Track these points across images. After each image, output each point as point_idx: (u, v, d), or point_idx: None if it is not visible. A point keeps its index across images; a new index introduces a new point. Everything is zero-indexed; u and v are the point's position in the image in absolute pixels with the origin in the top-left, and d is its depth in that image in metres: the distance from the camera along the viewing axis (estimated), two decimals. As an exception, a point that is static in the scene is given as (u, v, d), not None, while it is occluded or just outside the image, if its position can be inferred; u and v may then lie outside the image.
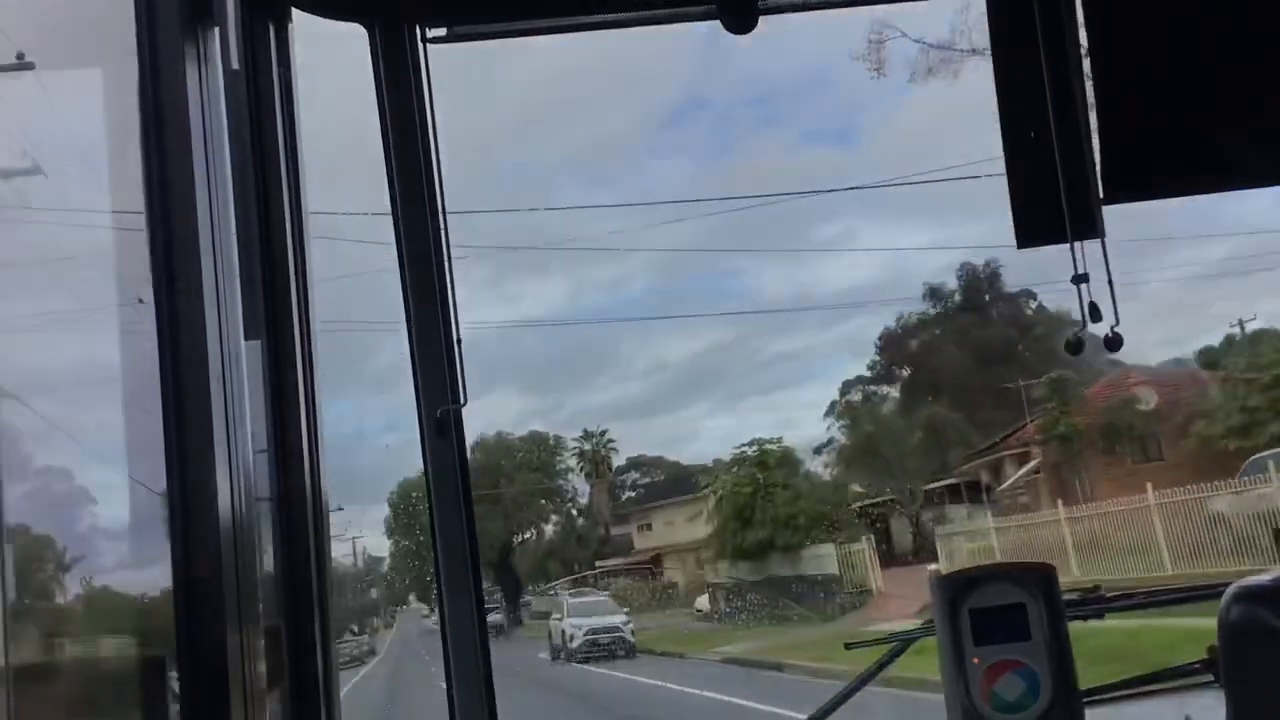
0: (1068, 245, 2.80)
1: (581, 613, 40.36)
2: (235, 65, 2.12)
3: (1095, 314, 2.79)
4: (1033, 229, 2.89)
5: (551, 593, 62.02)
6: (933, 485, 50.20)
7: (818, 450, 53.81)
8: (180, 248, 1.56)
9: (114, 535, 1.53)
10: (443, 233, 2.95)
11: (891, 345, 59.36)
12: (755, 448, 48.56)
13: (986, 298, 58.83)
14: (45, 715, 1.22)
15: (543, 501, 67.63)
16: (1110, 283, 2.88)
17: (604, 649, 35.74)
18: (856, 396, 57.91)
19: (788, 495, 45.81)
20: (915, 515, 48.31)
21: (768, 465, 47.22)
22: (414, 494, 62.89)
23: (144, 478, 1.50)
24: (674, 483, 62.10)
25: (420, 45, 2.98)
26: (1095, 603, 2.78)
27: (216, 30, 1.93)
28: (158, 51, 1.62)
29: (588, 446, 68.38)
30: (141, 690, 1.48)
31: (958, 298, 58.34)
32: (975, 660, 2.27)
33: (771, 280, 74.72)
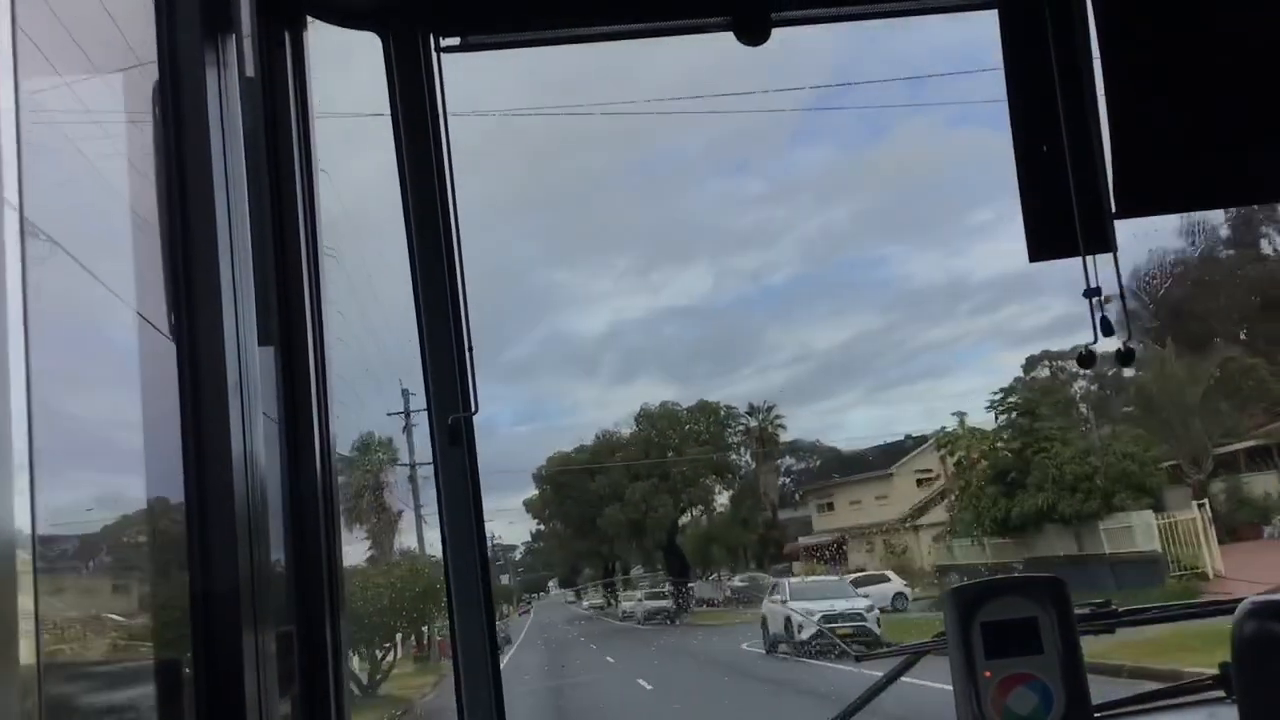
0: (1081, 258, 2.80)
1: (809, 595, 33.17)
2: (250, 73, 2.12)
3: (1107, 328, 2.79)
4: (1045, 242, 2.89)
5: (713, 577, 60.43)
6: (1225, 449, 40.58)
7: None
8: (199, 255, 1.56)
9: (132, 538, 1.53)
10: (455, 241, 2.96)
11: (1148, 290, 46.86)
12: (1008, 396, 41.12)
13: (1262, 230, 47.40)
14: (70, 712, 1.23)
15: (712, 477, 64.27)
16: (1122, 296, 2.87)
17: (846, 641, 24.07)
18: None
19: (1071, 453, 36.95)
20: (1203, 483, 38.68)
21: (1036, 414, 38.89)
22: (567, 467, 62.75)
23: (161, 482, 1.50)
24: (839, 466, 59.77)
25: (434, 54, 2.99)
26: (1107, 617, 2.77)
27: (233, 38, 1.94)
28: (177, 58, 1.63)
29: (754, 423, 64.51)
30: (158, 693, 1.48)
31: (1224, 232, 46.98)
32: (987, 674, 2.26)
33: (920, 268, 74.59)
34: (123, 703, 1.48)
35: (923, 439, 56.55)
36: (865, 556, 53.97)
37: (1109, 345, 2.80)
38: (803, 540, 59.51)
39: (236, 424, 1.53)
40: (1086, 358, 2.82)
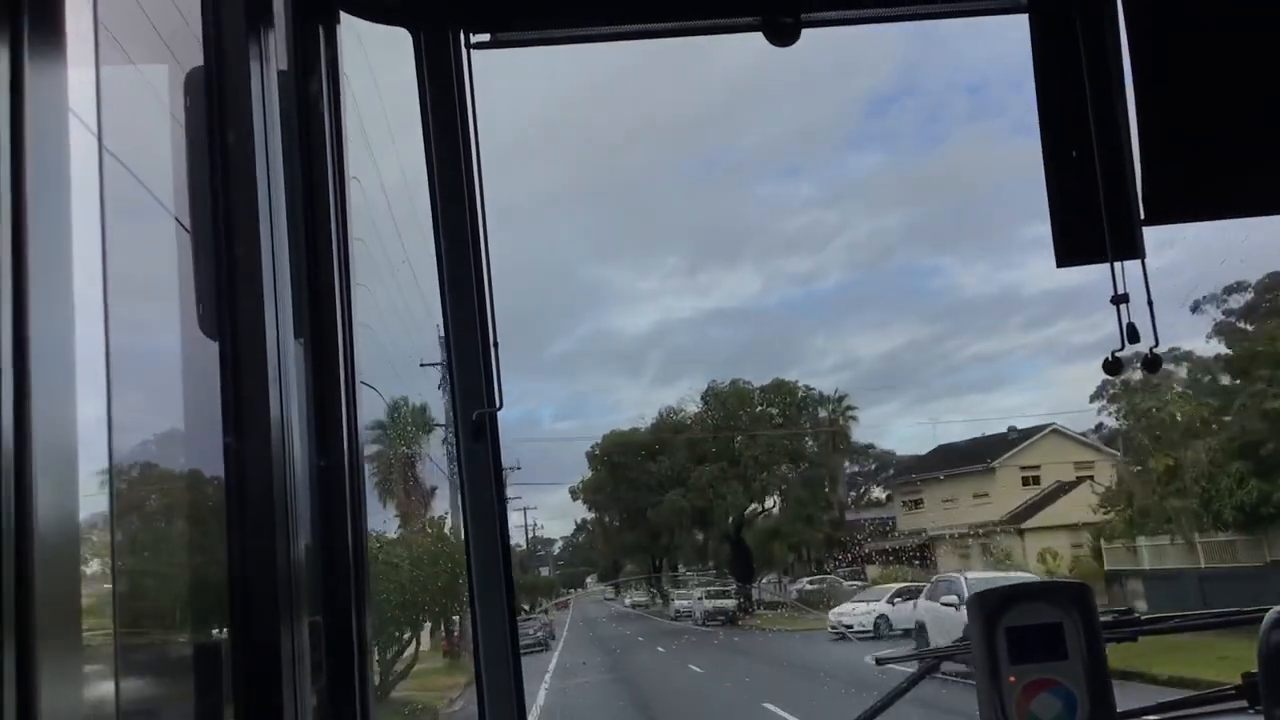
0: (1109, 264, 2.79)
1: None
2: (283, 66, 2.13)
3: (1134, 335, 2.78)
4: (1073, 247, 2.88)
5: (768, 580, 55.82)
6: None
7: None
8: (243, 251, 1.57)
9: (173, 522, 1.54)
10: (482, 237, 2.96)
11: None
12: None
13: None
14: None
15: (787, 464, 58.06)
16: (1150, 303, 2.86)
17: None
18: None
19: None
20: None
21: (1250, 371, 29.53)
22: (627, 444, 58.44)
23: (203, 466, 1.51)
24: (936, 461, 55.17)
25: (464, 50, 3.00)
26: (1130, 624, 2.76)
27: (270, 32, 1.94)
28: (223, 52, 1.64)
29: (824, 413, 59.61)
30: (195, 679, 1.49)
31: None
32: (1011, 679, 2.26)
33: (971, 279, 73.32)
34: (162, 688, 1.49)
35: (1031, 431, 52.30)
36: (957, 563, 48.11)
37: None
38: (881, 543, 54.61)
39: (276, 420, 1.54)
40: (1113, 364, 2.81)
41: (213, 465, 1.49)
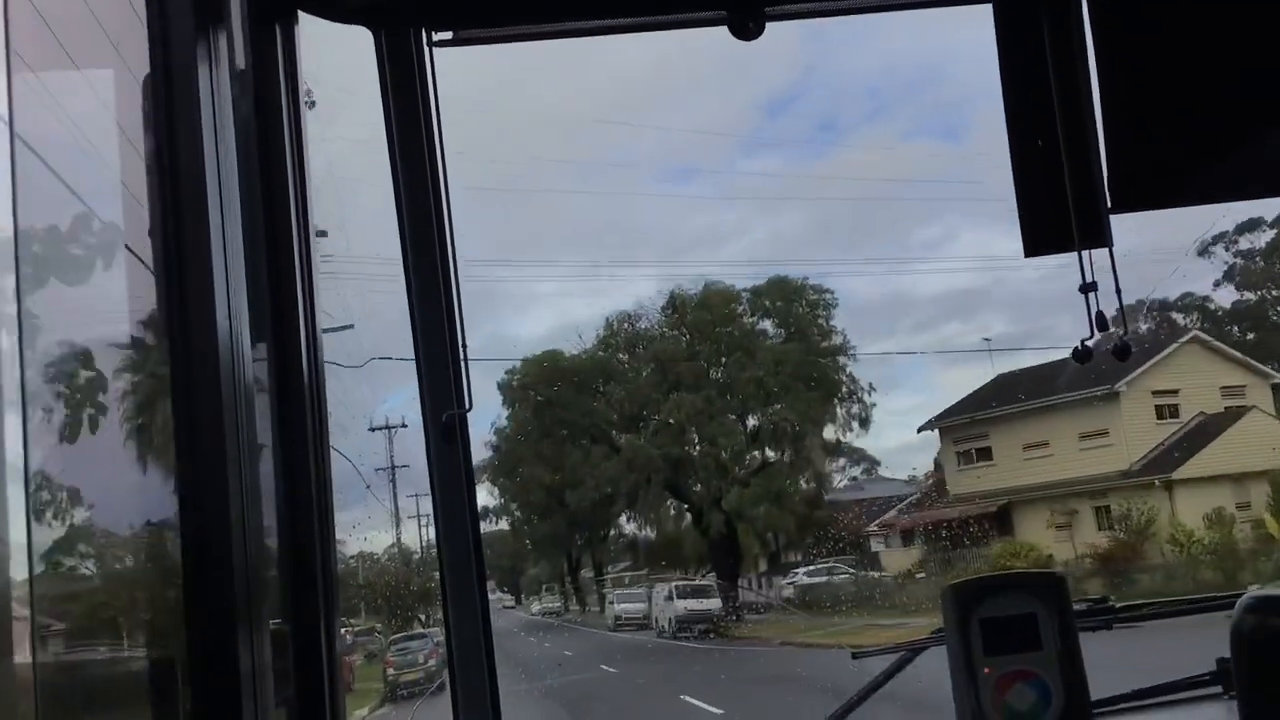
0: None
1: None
2: (241, 66, 2.10)
3: (1102, 323, 2.78)
4: (1040, 237, 2.88)
5: (764, 577, 41.75)
6: None
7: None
8: (193, 250, 1.54)
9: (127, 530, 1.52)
10: (448, 238, 2.94)
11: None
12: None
13: None
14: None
15: (808, 387, 41.26)
16: (1118, 291, 2.87)
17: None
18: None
19: None
20: None
21: None
22: (548, 377, 41.72)
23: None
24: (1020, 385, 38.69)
25: (426, 49, 2.97)
26: (1104, 613, 2.77)
27: (225, 31, 1.91)
28: (170, 52, 1.61)
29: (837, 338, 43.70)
30: (152, 692, 1.46)
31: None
32: (986, 670, 2.25)
33: (864, 283, 72.01)
34: (118, 700, 1.46)
35: (1159, 340, 36.47)
36: (1050, 537, 34.00)
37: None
38: (907, 516, 40.14)
39: (231, 425, 1.51)
40: (1083, 353, 2.81)
41: (166, 481, 1.46)
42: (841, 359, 43.23)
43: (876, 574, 39.64)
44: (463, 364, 2.89)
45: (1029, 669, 2.24)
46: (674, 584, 39.41)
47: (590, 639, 39.99)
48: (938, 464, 44.69)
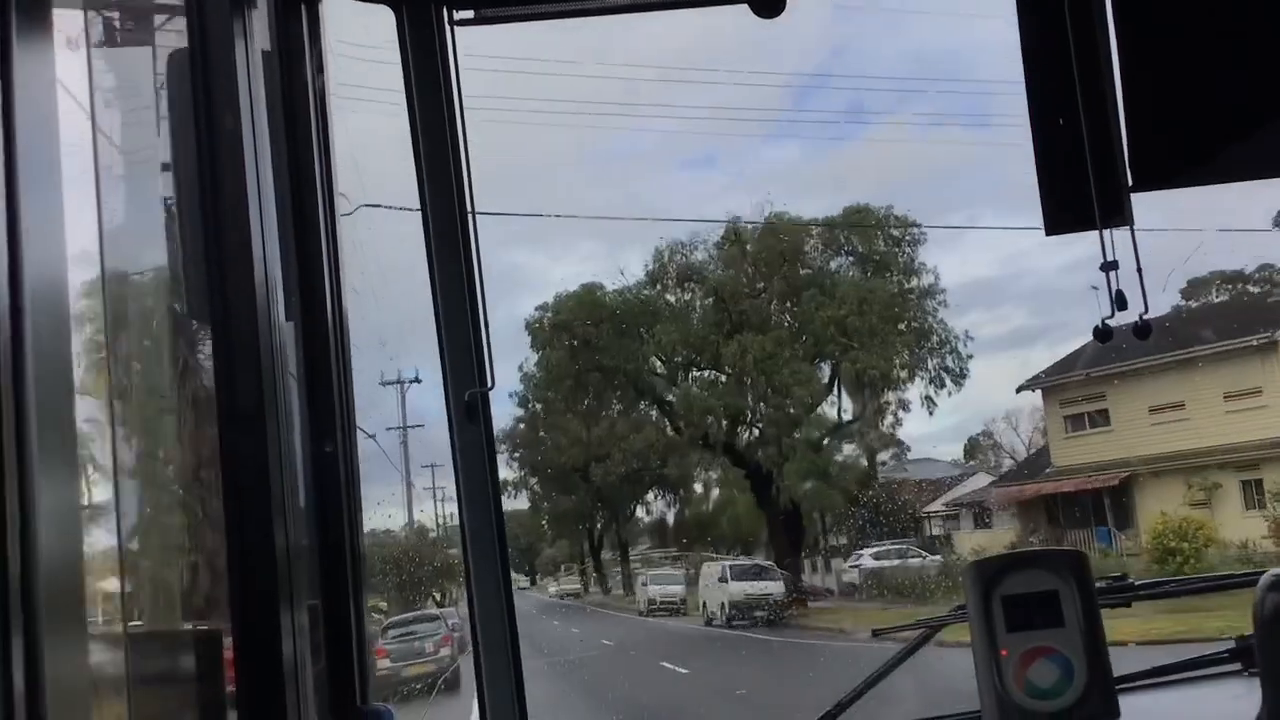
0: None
1: None
2: (267, 46, 2.11)
3: (1122, 301, 2.78)
4: (1061, 215, 2.88)
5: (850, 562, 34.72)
6: None
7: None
8: (235, 233, 1.55)
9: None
10: (470, 215, 2.95)
11: None
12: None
13: None
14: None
15: (899, 331, 34.93)
16: (1139, 270, 2.87)
17: None
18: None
19: None
20: None
21: None
22: (586, 314, 34.98)
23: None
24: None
25: (448, 27, 2.97)
26: (1125, 590, 2.78)
27: (255, 12, 1.92)
28: (208, 33, 1.61)
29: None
30: (197, 662, 1.49)
31: None
32: (1004, 651, 2.27)
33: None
34: (165, 671, 1.49)
35: None
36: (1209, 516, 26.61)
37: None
38: (1001, 489, 33.92)
39: (272, 407, 1.53)
40: (1103, 332, 2.81)
41: (208, 454, 1.48)
42: (931, 303, 36.13)
43: (956, 557, 33.03)
44: (485, 342, 2.90)
45: (1052, 646, 2.25)
46: (727, 563, 34.09)
47: (622, 625, 34.11)
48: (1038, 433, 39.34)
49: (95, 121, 1.08)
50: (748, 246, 36.15)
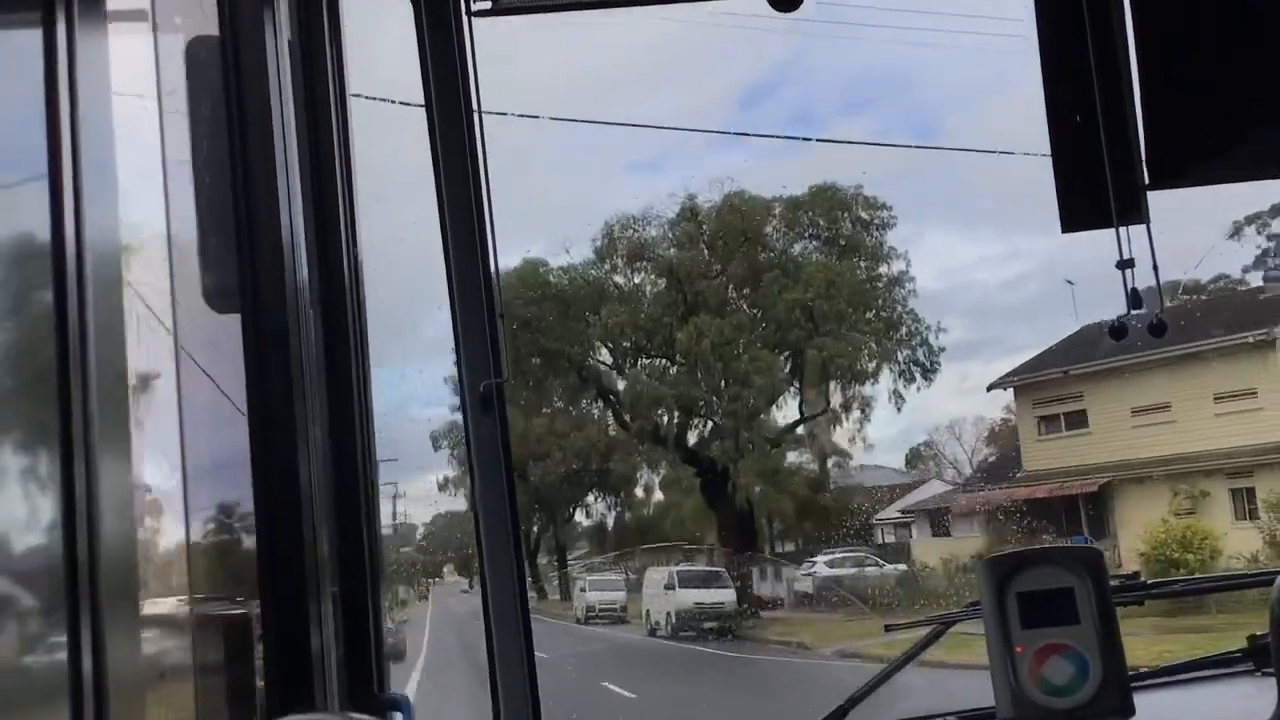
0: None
1: None
2: (289, 36, 2.11)
3: (1137, 300, 2.79)
4: (1077, 213, 2.88)
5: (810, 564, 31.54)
6: None
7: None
8: (265, 224, 1.56)
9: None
10: (486, 206, 2.95)
11: None
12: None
13: None
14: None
15: (867, 317, 32.59)
16: (1155, 268, 2.87)
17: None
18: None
19: None
20: None
21: None
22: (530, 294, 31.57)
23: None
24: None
25: (465, 19, 2.97)
26: (1139, 588, 2.79)
27: (274, 3, 1.92)
28: (237, 22, 1.62)
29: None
30: (227, 647, 1.50)
31: None
32: (1018, 648, 2.27)
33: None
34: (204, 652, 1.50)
35: None
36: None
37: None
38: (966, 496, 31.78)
39: (299, 395, 1.53)
40: (1119, 330, 2.82)
41: (237, 448, 1.48)
42: (900, 292, 33.28)
43: (921, 566, 31.49)
44: (500, 333, 2.91)
45: (1066, 642, 2.26)
46: (675, 569, 30.84)
47: (560, 636, 28.63)
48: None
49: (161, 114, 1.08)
50: (704, 226, 33.30)
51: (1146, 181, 2.80)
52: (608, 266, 34.43)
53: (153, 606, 1.24)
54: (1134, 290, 2.79)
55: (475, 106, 2.97)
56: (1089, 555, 2.37)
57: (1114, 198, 2.79)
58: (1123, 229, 2.80)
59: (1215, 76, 2.77)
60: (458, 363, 2.93)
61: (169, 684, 1.30)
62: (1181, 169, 2.85)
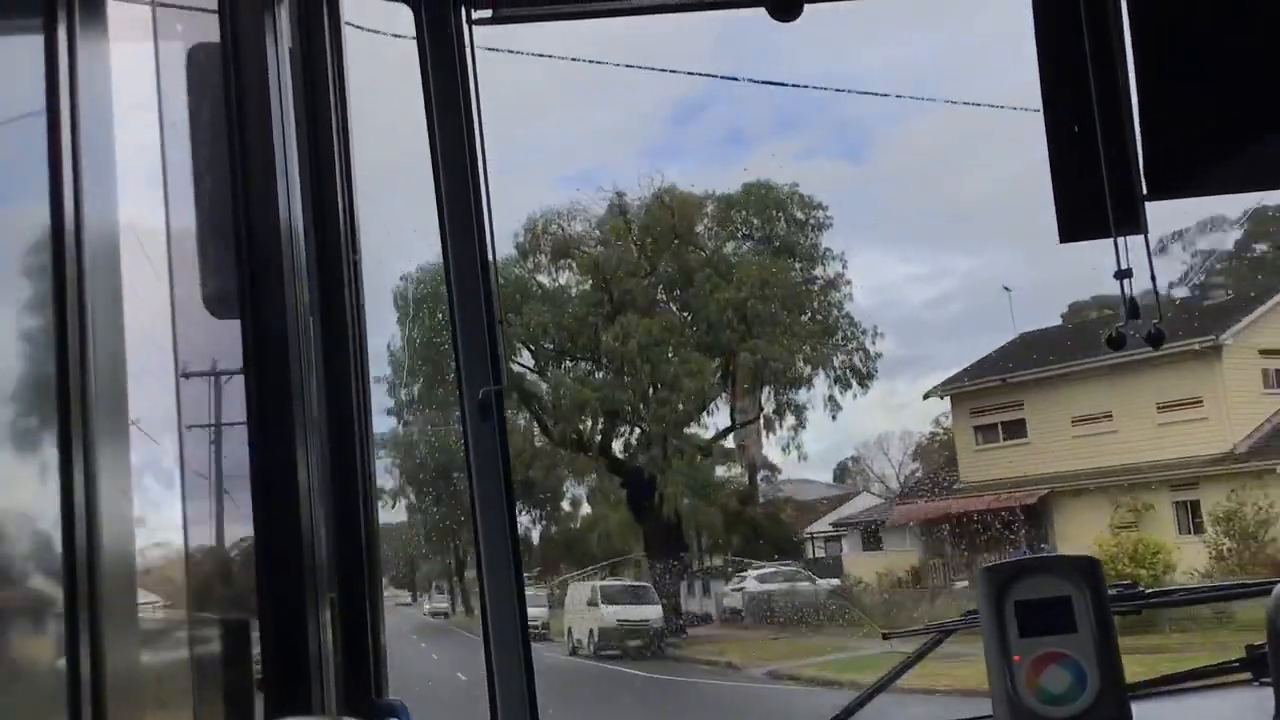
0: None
1: None
2: (289, 44, 2.12)
3: (1135, 310, 2.79)
4: (1075, 223, 2.89)
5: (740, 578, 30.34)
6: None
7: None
8: (265, 232, 1.56)
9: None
10: (485, 213, 2.96)
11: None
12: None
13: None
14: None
15: (802, 321, 31.05)
16: (1153, 278, 2.87)
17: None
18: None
19: None
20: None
21: None
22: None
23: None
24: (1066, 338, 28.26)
25: (465, 26, 2.98)
26: (1136, 597, 2.79)
27: (281, 9, 1.93)
28: (238, 29, 1.63)
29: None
30: (224, 650, 1.51)
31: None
32: (1017, 657, 2.27)
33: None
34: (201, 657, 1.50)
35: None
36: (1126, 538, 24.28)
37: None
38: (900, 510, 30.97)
39: (298, 402, 1.54)
40: (1116, 340, 2.82)
41: (236, 453, 1.49)
42: (836, 295, 32.06)
43: (856, 581, 30.75)
44: (499, 340, 2.91)
45: (1064, 651, 2.26)
46: (599, 584, 29.05)
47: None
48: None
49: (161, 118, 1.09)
50: (633, 224, 31.50)
51: (1145, 192, 2.81)
52: (530, 264, 32.61)
53: (151, 610, 1.24)
54: (1132, 300, 2.79)
55: (476, 116, 2.98)
56: (1087, 564, 2.38)
57: (1112, 208, 2.80)
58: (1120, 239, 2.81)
59: (1214, 86, 2.78)
60: (457, 370, 2.93)
61: (167, 687, 1.30)
62: (1180, 179, 2.86)
